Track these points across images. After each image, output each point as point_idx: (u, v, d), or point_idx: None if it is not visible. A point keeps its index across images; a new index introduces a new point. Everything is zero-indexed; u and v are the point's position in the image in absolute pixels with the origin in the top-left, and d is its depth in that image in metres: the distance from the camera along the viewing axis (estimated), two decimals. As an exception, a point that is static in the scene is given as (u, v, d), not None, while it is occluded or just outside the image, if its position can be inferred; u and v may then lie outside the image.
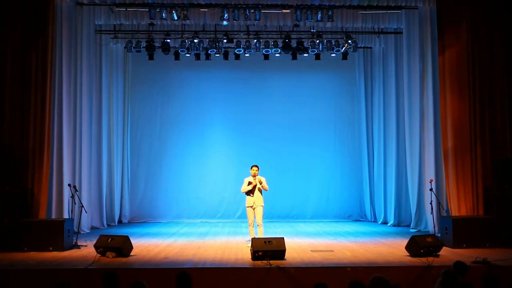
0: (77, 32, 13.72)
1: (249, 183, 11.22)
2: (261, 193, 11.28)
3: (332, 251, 10.56)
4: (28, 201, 11.47)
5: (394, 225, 15.57)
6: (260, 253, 9.20)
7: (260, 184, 11.20)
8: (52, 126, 12.35)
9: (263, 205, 11.30)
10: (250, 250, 9.56)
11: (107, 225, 15.60)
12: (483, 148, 12.16)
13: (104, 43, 15.70)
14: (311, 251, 10.58)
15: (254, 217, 11.20)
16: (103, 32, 15.53)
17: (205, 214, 17.41)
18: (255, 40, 15.50)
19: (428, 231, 12.95)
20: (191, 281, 6.06)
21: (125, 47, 16.29)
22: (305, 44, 15.70)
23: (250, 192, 11.22)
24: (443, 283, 6.24)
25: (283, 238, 9.81)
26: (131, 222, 16.96)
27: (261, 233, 11.10)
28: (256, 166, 11.39)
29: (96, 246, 9.80)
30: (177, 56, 16.17)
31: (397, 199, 15.79)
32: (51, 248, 10.51)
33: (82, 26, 13.93)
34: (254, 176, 11.25)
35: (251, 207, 11.20)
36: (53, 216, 12.32)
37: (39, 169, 11.68)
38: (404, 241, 10.30)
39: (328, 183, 17.82)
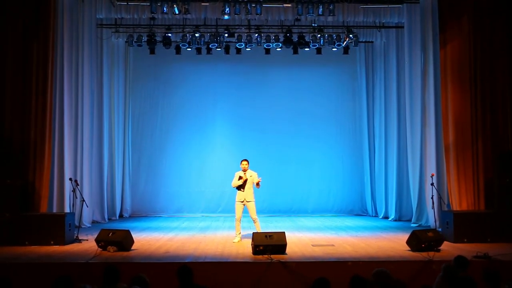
0: (78, 26, 13.69)
1: (240, 177, 11.17)
2: (252, 189, 11.20)
3: (333, 245, 10.57)
4: (29, 194, 11.45)
5: (395, 220, 15.58)
6: (261, 248, 9.21)
7: (258, 185, 11.09)
8: (53, 120, 12.34)
9: (253, 200, 11.20)
10: (251, 244, 9.56)
11: (108, 219, 15.62)
12: (484, 142, 12.13)
13: (105, 37, 15.68)
14: (312, 245, 10.59)
15: (246, 212, 11.12)
16: (104, 26, 15.51)
17: (206, 208, 17.43)
18: (256, 35, 15.49)
19: (429, 226, 12.95)
20: (192, 274, 6.06)
21: (126, 41, 16.29)
22: (307, 39, 15.68)
23: (240, 187, 11.15)
24: (444, 278, 6.24)
25: (284, 232, 9.82)
26: (132, 216, 16.98)
27: (258, 227, 11.07)
28: (246, 160, 11.30)
29: (97, 240, 9.82)
30: (178, 50, 16.17)
31: (398, 193, 15.79)
32: (52, 242, 10.54)
33: (83, 20, 13.90)
34: (244, 170, 11.17)
35: (241, 202, 11.14)
36: (54, 210, 12.33)
37: (40, 162, 11.66)
38: (405, 236, 10.29)
39: (329, 178, 17.83)
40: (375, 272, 5.84)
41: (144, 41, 15.46)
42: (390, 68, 16.49)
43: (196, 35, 15.29)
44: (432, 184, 11.95)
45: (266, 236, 9.51)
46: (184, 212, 17.32)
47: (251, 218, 11.14)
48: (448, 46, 12.70)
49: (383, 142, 16.80)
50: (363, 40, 16.83)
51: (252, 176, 11.14)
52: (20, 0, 11.89)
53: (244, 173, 11.12)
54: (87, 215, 13.72)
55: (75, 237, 11.16)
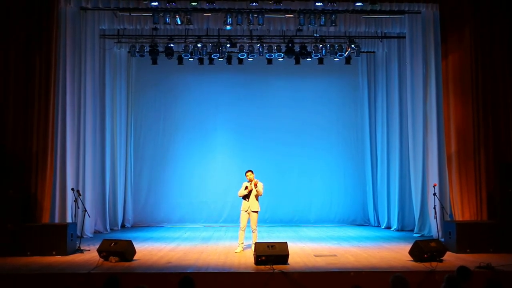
0: (81, 36, 13.73)
1: (246, 187, 11.19)
2: (257, 199, 11.20)
3: (335, 255, 10.54)
4: (31, 205, 11.46)
5: (397, 230, 15.53)
6: (263, 258, 9.19)
7: (255, 187, 11.12)
8: (56, 131, 12.37)
9: (258, 210, 11.20)
10: (253, 254, 9.55)
11: (110, 229, 15.60)
12: (486, 153, 12.14)
13: (107, 47, 15.74)
14: (314, 255, 10.56)
15: (248, 222, 11.15)
16: (106, 36, 15.57)
17: (208, 218, 17.40)
18: (258, 45, 15.55)
19: (432, 236, 12.92)
20: (194, 285, 6.05)
21: (128, 52, 16.40)
22: (308, 49, 15.74)
23: (246, 197, 11.17)
24: (446, 288, 6.21)
25: (286, 242, 9.80)
26: (134, 227, 16.96)
27: (255, 238, 11.02)
28: (251, 170, 11.33)
29: (99, 251, 9.82)
30: (180, 60, 16.24)
31: (401, 203, 15.75)
32: (54, 253, 10.53)
33: (86, 31, 13.94)
34: (250, 180, 11.21)
35: (246, 211, 11.15)
36: (56, 221, 12.31)
37: (43, 173, 11.69)
38: (408, 246, 10.28)
39: (331, 188, 17.81)
40: (393, 278, 5.87)
41: (146, 52, 15.54)
42: (392, 78, 16.50)
43: (198, 45, 15.34)
44: (434, 194, 11.92)
45: (268, 246, 9.49)
46: (186, 222, 17.28)
47: (250, 227, 11.13)
48: (449, 57, 12.76)
49: (385, 152, 16.78)
50: (365, 50, 16.87)
51: (256, 184, 11.18)
52: (24, 11, 11.97)
53: (250, 183, 11.16)
54: (89, 225, 13.72)
55: (77, 248, 11.16)
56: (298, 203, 17.53)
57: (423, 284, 8.51)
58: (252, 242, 10.94)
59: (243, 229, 11.15)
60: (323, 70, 17.17)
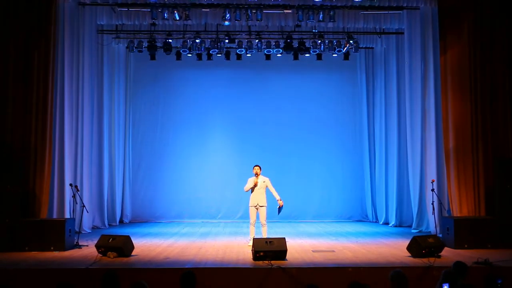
0: (79, 31, 13.69)
1: (255, 184, 11.26)
2: (264, 194, 11.25)
3: (333, 251, 10.56)
4: (30, 200, 11.47)
5: (395, 226, 15.55)
6: (262, 254, 9.20)
7: (281, 205, 11.24)
8: (54, 126, 12.35)
9: (266, 205, 11.27)
10: (252, 250, 9.56)
11: (108, 225, 15.60)
12: (484, 149, 12.16)
13: (106, 43, 15.71)
14: (313, 251, 10.58)
15: (257, 217, 11.21)
16: (105, 32, 15.54)
17: (206, 214, 17.40)
18: (256, 40, 15.50)
19: (430, 232, 12.94)
20: (196, 281, 6.05)
21: (126, 47, 16.36)
22: (307, 44, 15.68)
23: (251, 190, 11.27)
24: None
25: (284, 238, 9.82)
26: (132, 222, 16.95)
27: (265, 233, 11.19)
28: (258, 165, 11.41)
29: (97, 246, 9.81)
30: (178, 56, 16.19)
31: (399, 199, 15.76)
32: (52, 248, 10.53)
33: (84, 26, 13.90)
34: (257, 175, 11.25)
35: (254, 206, 11.23)
36: (55, 216, 12.31)
37: (41, 168, 11.69)
38: (406, 242, 10.29)
39: (330, 183, 17.80)
40: (393, 273, 5.89)
41: (144, 47, 15.47)
42: (390, 74, 16.50)
43: (197, 41, 15.30)
44: (432, 190, 11.95)
45: (266, 242, 9.51)
46: (184, 218, 17.28)
47: (260, 222, 11.20)
48: (448, 53, 12.77)
49: (384, 148, 16.79)
50: (364, 46, 16.84)
51: (265, 181, 11.28)
52: (23, 7, 11.95)
53: (256, 178, 11.19)
54: (87, 221, 13.71)
55: (75, 243, 11.15)
56: (297, 199, 17.46)
57: (421, 280, 8.53)
58: (262, 236, 11.00)
59: (253, 224, 11.27)
60: (322, 66, 17.14)
